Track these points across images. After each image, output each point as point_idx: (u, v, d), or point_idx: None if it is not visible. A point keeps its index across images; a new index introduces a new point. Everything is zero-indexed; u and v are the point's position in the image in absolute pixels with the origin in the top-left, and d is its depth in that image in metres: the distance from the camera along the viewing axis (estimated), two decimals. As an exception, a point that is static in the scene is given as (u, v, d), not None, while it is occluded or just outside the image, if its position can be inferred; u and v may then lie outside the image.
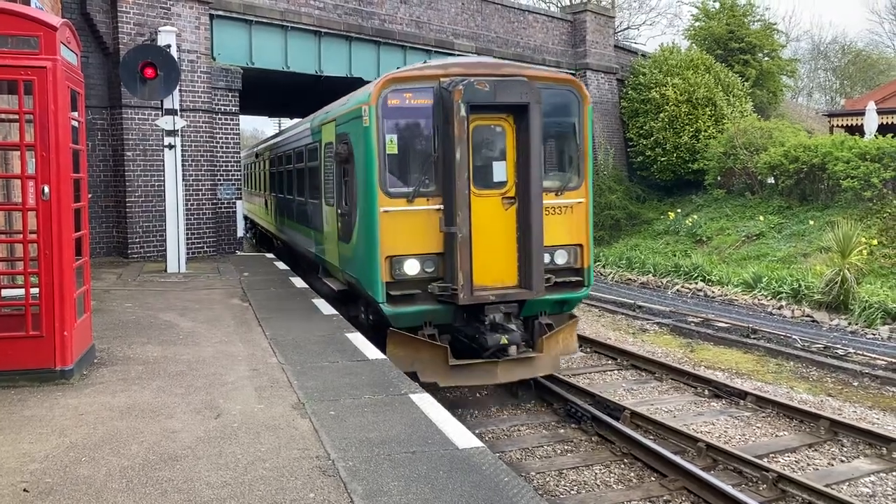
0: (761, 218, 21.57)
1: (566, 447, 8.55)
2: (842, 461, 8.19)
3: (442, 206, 8.57)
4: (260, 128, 67.20)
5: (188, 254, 14.82)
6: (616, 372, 11.92)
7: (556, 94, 9.20)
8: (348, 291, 10.43)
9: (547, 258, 8.98)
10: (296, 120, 25.32)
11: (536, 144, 8.58)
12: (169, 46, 13.49)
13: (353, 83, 18.30)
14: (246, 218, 27.51)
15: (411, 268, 8.61)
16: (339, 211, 10.03)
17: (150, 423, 5.48)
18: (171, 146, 13.64)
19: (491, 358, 8.77)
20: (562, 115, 9.41)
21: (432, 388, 8.18)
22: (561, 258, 9.26)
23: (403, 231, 8.56)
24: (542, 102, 8.65)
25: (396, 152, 8.71)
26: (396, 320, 8.64)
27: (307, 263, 14.25)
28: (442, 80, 8.62)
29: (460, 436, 5.18)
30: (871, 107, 24.18)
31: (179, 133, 13.81)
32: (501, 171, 8.90)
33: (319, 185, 11.61)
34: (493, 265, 8.73)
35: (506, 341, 8.54)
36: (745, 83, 29.69)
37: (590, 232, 9.43)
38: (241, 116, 19.53)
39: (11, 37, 6.20)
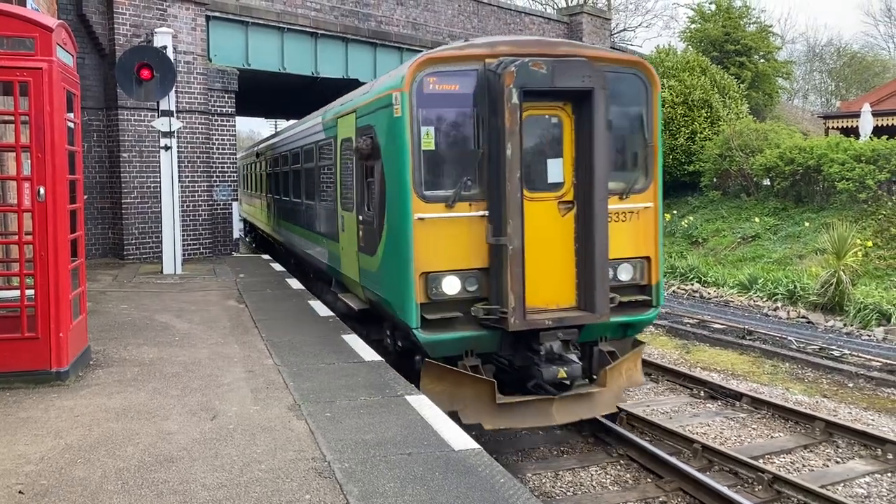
0: (757, 220, 21.62)
1: (562, 448, 8.55)
2: (837, 462, 8.21)
3: (487, 213, 7.26)
4: (256, 129, 67.21)
5: (184, 255, 14.81)
6: (612, 373, 11.93)
7: (619, 79, 7.75)
8: (370, 311, 8.99)
9: (609, 273, 7.59)
10: (291, 121, 25.09)
11: (601, 138, 7.25)
12: (165, 48, 13.50)
13: (350, 84, 18.29)
14: (245, 221, 26.83)
15: (451, 286, 7.25)
16: (361, 217, 8.71)
17: (146, 424, 5.48)
18: (167, 147, 13.64)
19: (544, 394, 7.45)
20: (627, 104, 7.94)
21: (476, 429, 7.24)
22: (625, 273, 7.90)
23: (442, 242, 7.22)
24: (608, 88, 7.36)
25: (434, 148, 7.30)
26: (433, 349, 7.20)
27: (315, 273, 12.99)
28: (488, 60, 7.27)
29: (456, 437, 5.18)
30: (867, 109, 24.25)
31: (175, 134, 13.81)
32: (557, 170, 7.59)
33: (334, 188, 10.24)
34: (546, 282, 7.44)
35: (564, 375, 7.23)
36: (741, 85, 29.80)
37: (659, 242, 8.07)
38: (238, 118, 19.54)
39: (7, 38, 6.20)
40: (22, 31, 6.20)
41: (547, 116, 7.58)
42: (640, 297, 8.01)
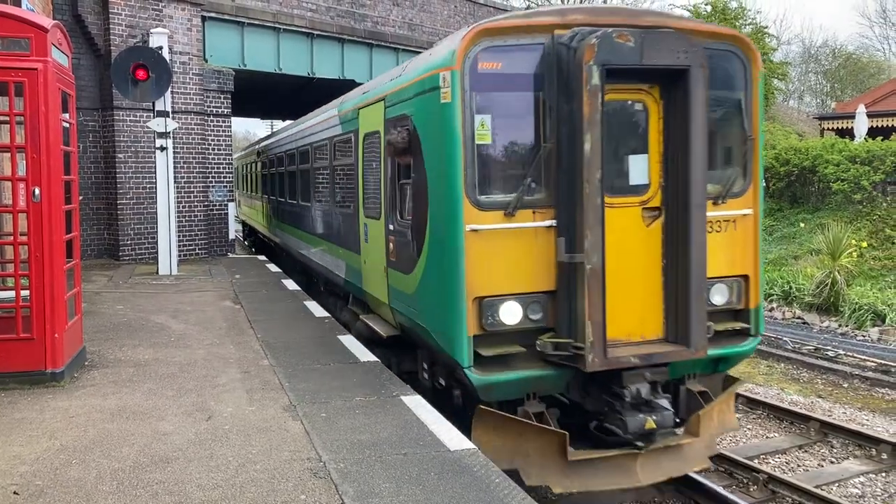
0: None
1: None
2: (832, 462, 8.24)
3: (555, 222, 5.92)
4: (252, 129, 67.17)
5: (180, 256, 14.79)
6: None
7: (714, 56, 6.31)
8: (402, 338, 7.58)
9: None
10: (287, 122, 24.81)
11: (699, 128, 5.92)
12: (161, 48, 13.48)
13: (346, 85, 18.31)
14: (244, 224, 25.99)
15: (510, 314, 5.88)
16: (392, 227, 7.29)
17: (141, 425, 5.47)
18: (162, 148, 13.62)
19: (627, 447, 6.05)
20: (722, 88, 6.51)
21: (542, 490, 6.10)
22: (720, 296, 6.50)
23: (499, 259, 5.88)
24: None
25: (490, 142, 5.93)
26: (488, 392, 5.87)
27: (328, 286, 11.59)
28: (557, 32, 5.90)
29: (451, 437, 5.19)
30: (862, 110, 24.34)
31: (171, 135, 13.79)
32: (641, 168, 6.25)
33: (354, 191, 8.84)
34: (628, 308, 6.07)
35: (653, 425, 5.89)
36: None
37: (759, 257, 6.68)
38: (234, 118, 19.52)
39: (1, 38, 6.20)
40: (17, 31, 6.19)
41: (629, 102, 6.22)
42: (737, 325, 6.60)
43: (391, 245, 7.35)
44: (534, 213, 5.96)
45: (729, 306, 6.57)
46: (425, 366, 7.08)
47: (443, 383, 6.67)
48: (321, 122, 11.09)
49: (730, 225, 6.55)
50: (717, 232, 6.47)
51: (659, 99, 6.20)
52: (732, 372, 7.00)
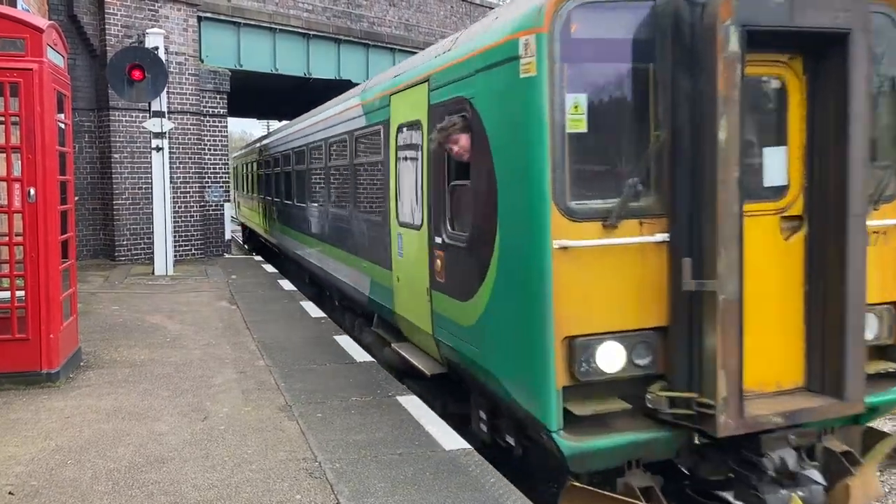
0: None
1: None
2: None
3: (668, 237, 4.48)
4: (248, 130, 67.10)
5: (176, 256, 14.78)
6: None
7: None
8: (449, 375, 6.20)
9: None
10: (283, 122, 24.24)
11: (860, 112, 4.50)
12: (157, 48, 13.49)
13: (342, 85, 18.32)
14: (243, 226, 25.02)
15: (611, 359, 4.46)
16: (441, 240, 5.89)
17: (137, 425, 5.47)
18: (158, 148, 13.61)
19: None
20: (877, 61, 4.94)
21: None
22: (868, 329, 4.88)
23: (597, 285, 4.46)
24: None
25: (586, 129, 4.47)
26: (581, 463, 4.48)
27: (344, 300, 10.26)
28: None
29: (447, 437, 5.20)
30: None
31: (167, 135, 13.79)
32: (778, 165, 4.83)
33: (384, 193, 7.49)
34: (759, 348, 4.61)
35: (799, 503, 4.54)
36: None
37: None
38: (230, 119, 19.50)
39: (-3, 38, 6.19)
40: (12, 31, 6.19)
41: (764, 78, 4.81)
42: (889, 367, 5.14)
43: (438, 262, 5.97)
44: (640, 224, 4.51)
45: (877, 342, 5.09)
46: (482, 415, 5.64)
47: (511, 442, 5.28)
48: (338, 113, 9.73)
49: (880, 238, 5.08)
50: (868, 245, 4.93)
51: (801, 74, 4.76)
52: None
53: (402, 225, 6.89)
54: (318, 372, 6.94)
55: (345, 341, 8.21)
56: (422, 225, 6.32)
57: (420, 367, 6.42)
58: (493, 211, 4.94)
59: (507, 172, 4.81)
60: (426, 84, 6.19)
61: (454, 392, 6.30)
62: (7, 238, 6.39)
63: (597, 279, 4.45)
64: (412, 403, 5.97)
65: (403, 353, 6.90)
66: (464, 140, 5.30)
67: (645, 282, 4.51)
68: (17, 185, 6.38)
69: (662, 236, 4.50)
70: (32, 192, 6.24)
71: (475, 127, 5.18)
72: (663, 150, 4.49)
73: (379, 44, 21.29)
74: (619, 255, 4.48)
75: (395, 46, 21.65)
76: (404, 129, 6.91)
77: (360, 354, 7.61)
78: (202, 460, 4.79)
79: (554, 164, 4.36)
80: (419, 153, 6.39)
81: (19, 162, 6.33)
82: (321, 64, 20.14)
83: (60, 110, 6.72)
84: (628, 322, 4.50)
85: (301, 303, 10.76)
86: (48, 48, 6.35)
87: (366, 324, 8.87)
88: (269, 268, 15.33)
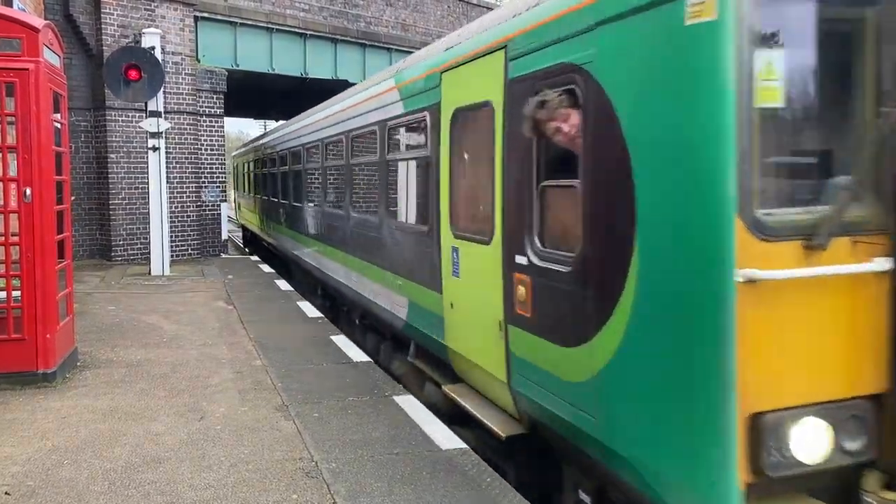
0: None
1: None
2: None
3: (893, 264, 3.16)
4: (245, 130, 67.03)
5: (172, 256, 14.78)
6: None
7: None
8: (531, 438, 4.79)
9: None
10: (281, 122, 23.51)
11: None
12: (153, 48, 13.48)
13: (339, 85, 18.33)
14: (244, 228, 24.50)
15: (812, 443, 3.12)
16: (523, 259, 4.56)
17: (133, 425, 5.47)
18: (155, 148, 13.60)
19: None
20: None
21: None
22: None
23: (795, 336, 3.11)
24: None
25: (782, 104, 3.16)
26: None
27: (366, 317, 8.84)
28: None
29: (443, 437, 5.20)
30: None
31: (163, 135, 13.78)
32: None
33: (429, 196, 6.15)
34: None
35: None
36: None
37: None
38: (226, 118, 19.49)
39: (-7, 38, 6.18)
40: (8, 31, 6.18)
41: None
42: None
43: (520, 289, 4.60)
44: (853, 242, 3.15)
45: None
46: (586, 499, 4.27)
47: None
48: (365, 101, 8.16)
49: None
50: None
51: None
52: None
53: (460, 237, 5.52)
54: (315, 372, 6.94)
55: (341, 341, 8.22)
56: (492, 238, 4.97)
57: (490, 425, 4.94)
58: (625, 223, 3.52)
59: (653, 168, 3.40)
60: (502, 52, 4.78)
61: (534, 458, 4.92)
62: (3, 238, 6.38)
63: (795, 327, 3.10)
64: (409, 403, 5.98)
65: (461, 401, 5.48)
66: (571, 124, 3.98)
67: (857, 329, 3.18)
68: (13, 185, 6.38)
69: (886, 262, 3.13)
70: (28, 191, 6.23)
71: (593, 104, 3.78)
72: (885, 138, 3.15)
73: (376, 44, 21.28)
74: (825, 289, 3.10)
75: (391, 46, 21.65)
76: (463, 115, 5.54)
77: (357, 354, 7.61)
78: (199, 460, 4.79)
79: (741, 157, 2.96)
80: (489, 144, 4.99)
81: (15, 162, 6.32)
82: (318, 64, 20.13)
83: (57, 110, 6.72)
84: (835, 388, 3.18)
85: (298, 303, 10.76)
86: (44, 48, 6.35)
87: (395, 349, 7.67)
88: (266, 268, 15.33)
